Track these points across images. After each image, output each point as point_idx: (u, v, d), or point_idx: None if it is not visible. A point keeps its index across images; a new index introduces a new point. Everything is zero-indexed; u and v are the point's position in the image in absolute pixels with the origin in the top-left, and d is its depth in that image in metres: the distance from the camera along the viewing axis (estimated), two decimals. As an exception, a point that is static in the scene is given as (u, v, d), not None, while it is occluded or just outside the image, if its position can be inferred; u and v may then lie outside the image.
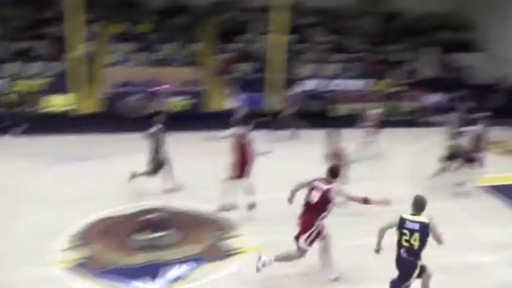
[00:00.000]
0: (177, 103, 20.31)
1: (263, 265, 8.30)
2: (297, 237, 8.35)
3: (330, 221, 8.42)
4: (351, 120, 19.86)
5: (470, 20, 27.03)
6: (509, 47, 24.19)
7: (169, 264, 8.98)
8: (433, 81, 23.30)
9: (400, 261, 7.18)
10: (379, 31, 25.96)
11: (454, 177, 13.37)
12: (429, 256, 7.12)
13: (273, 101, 20.90)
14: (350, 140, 17.13)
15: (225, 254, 9.45)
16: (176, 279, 8.60)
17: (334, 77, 22.74)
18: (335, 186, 8.21)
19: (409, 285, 7.19)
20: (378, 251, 7.49)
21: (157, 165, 12.21)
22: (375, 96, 21.32)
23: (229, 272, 8.86)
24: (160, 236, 9.88)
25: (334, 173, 8.39)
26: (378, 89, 21.98)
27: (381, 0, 26.56)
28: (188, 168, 13.12)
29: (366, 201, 8.28)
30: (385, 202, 8.21)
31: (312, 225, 8.20)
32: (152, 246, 9.61)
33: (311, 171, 12.03)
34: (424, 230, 6.95)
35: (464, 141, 13.39)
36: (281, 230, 10.04)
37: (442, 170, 13.22)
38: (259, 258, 8.36)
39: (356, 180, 11.13)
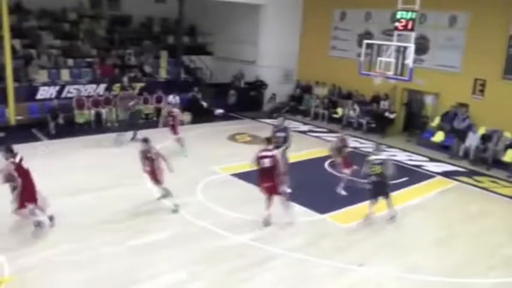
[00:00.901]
0: None
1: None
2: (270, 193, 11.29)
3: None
4: (94, 126, 19.80)
5: (195, 26, 29.11)
6: (235, 49, 26.85)
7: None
8: (168, 82, 24.25)
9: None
10: (109, 35, 25.88)
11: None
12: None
13: (11, 112, 19.39)
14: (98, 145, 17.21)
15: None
16: None
17: (70, 82, 21.89)
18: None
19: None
20: None
21: None
22: (112, 100, 21.20)
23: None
24: None
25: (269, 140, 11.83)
26: (113, 93, 21.77)
27: (107, 3, 26.62)
28: None
29: None
30: None
31: (273, 180, 11.15)
32: None
33: (65, 182, 11.65)
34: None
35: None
36: (36, 251, 9.70)
37: None
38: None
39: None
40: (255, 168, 11.45)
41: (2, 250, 9.49)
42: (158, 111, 21.87)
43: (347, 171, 13.71)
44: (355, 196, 13.13)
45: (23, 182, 10.09)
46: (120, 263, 9.46)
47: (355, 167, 13.55)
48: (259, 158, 11.27)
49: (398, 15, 14.72)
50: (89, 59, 23.60)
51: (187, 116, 21.39)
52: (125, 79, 22.57)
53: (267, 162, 11.21)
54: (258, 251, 10.20)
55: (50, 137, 18.53)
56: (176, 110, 17.31)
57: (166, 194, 12.08)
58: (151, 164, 11.79)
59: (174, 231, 10.90)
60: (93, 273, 9.03)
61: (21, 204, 10.09)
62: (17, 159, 10.26)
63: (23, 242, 10.00)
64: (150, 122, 21.08)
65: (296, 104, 25.28)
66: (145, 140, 11.89)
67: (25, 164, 10.40)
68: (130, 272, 9.13)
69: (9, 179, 10.10)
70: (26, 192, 10.11)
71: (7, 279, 8.70)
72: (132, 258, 9.67)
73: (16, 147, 16.09)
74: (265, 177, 11.26)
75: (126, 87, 22.07)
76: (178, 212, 11.79)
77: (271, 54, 25.58)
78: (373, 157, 11.79)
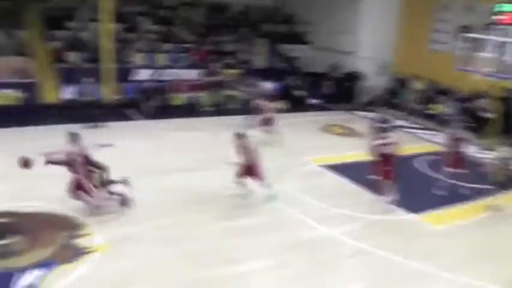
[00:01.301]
0: (8, 96, 18.57)
1: None
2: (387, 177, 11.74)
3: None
4: (188, 109, 20.26)
5: (296, 14, 28.72)
6: (333, 39, 26.16)
7: (19, 271, 8.26)
8: (264, 70, 24.19)
9: None
10: (207, 22, 26.23)
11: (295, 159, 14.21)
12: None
13: (107, 91, 20.12)
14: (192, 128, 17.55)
15: (75, 255, 8.90)
16: (29, 287, 7.94)
17: (166, 67, 22.47)
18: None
19: None
20: None
21: None
22: (209, 85, 21.48)
23: (78, 274, 8.37)
24: (6, 244, 9.02)
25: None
26: (211, 78, 22.14)
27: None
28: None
29: None
30: None
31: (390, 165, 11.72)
32: (1, 254, 8.75)
33: (159, 161, 11.99)
34: None
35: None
36: (130, 222, 10.09)
37: None
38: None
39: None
40: (371, 157, 11.60)
41: (97, 222, 9.94)
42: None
43: (452, 170, 12.93)
44: (452, 198, 12.52)
45: None
46: (211, 242, 9.63)
47: (463, 169, 12.85)
48: (378, 146, 11.33)
49: (503, 7, 13.78)
50: (185, 45, 24.05)
51: (282, 105, 21.12)
52: (215, 65, 22.82)
53: (386, 149, 11.39)
54: (346, 245, 9.96)
55: (144, 117, 19.11)
56: (263, 102, 16.92)
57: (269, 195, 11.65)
58: (247, 158, 11.40)
59: (263, 218, 10.88)
60: (187, 248, 9.32)
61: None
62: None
63: (114, 216, 10.38)
64: (243, 108, 21.16)
65: (391, 97, 24.56)
66: (241, 135, 11.49)
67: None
68: (221, 252, 9.30)
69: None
70: None
71: (102, 247, 9.14)
72: (222, 239, 9.79)
73: (111, 125, 17.38)
74: (383, 164, 11.51)
75: (215, 73, 22.25)
76: (275, 200, 11.58)
77: (369, 45, 24.84)
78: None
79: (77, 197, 10.25)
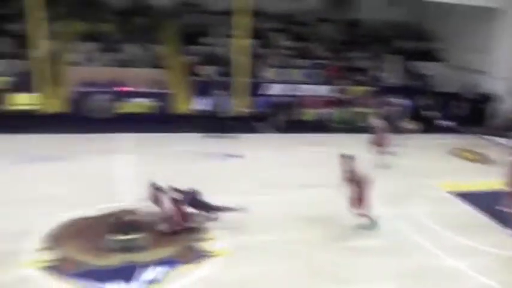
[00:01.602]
0: (143, 105, 19.95)
1: None
2: None
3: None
4: (317, 125, 20.44)
5: (430, 30, 27.91)
6: (467, 57, 25.08)
7: (142, 266, 8.90)
8: (395, 88, 23.76)
9: None
10: (341, 38, 26.31)
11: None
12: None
13: (239, 104, 20.88)
14: (320, 144, 17.67)
15: (198, 257, 9.40)
16: (151, 282, 8.53)
17: (297, 82, 22.86)
18: None
19: None
20: None
21: None
22: (339, 102, 21.50)
23: (201, 275, 8.84)
24: (133, 238, 9.68)
25: None
26: (343, 95, 22.20)
27: (342, 7, 27.02)
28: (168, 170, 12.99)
29: None
30: None
31: None
32: (125, 248, 9.45)
33: (287, 175, 12.27)
34: None
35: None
36: (252, 232, 10.36)
37: None
38: None
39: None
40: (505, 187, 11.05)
41: (221, 227, 10.39)
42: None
43: None
44: None
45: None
46: (331, 260, 9.66)
47: None
48: None
49: None
50: (319, 61, 24.32)
51: (413, 125, 20.63)
52: (346, 81, 22.77)
53: None
54: (472, 279, 9.49)
55: (274, 131, 19.63)
56: (379, 122, 16.00)
57: (368, 225, 11.12)
58: (355, 187, 10.86)
59: (385, 241, 10.69)
60: (308, 263, 9.43)
61: None
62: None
63: (238, 224, 10.71)
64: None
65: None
66: (349, 157, 10.90)
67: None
68: (341, 271, 9.33)
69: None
70: None
71: (225, 253, 9.57)
72: (343, 258, 9.79)
73: (241, 136, 17.97)
74: None
75: (346, 89, 22.16)
76: (375, 229, 11.13)
77: (505, 64, 23.45)
78: None
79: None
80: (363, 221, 11.08)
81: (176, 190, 10.53)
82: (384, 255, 10.04)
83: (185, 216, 10.24)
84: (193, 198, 10.60)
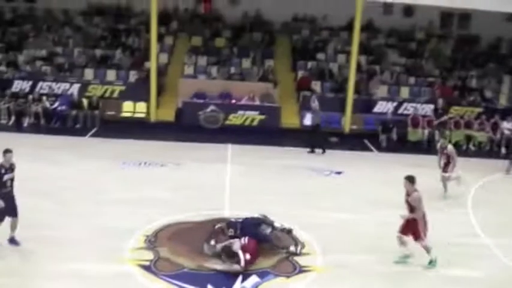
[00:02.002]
0: (251, 117, 20.40)
1: None
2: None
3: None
4: (425, 146, 19.77)
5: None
6: None
7: (241, 274, 9.04)
8: (506, 110, 22.27)
9: None
10: (455, 55, 25.39)
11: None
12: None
13: (347, 120, 20.78)
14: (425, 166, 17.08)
15: (295, 271, 9.40)
16: (248, 289, 8.68)
17: (407, 100, 22.30)
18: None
19: None
20: None
21: None
22: (448, 123, 20.62)
23: (296, 289, 8.83)
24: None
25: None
26: (451, 115, 21.28)
27: (458, 23, 26.17)
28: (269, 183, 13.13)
29: None
30: None
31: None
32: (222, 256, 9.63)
33: (386, 195, 11.97)
34: None
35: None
36: (350, 251, 10.19)
37: None
38: None
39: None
40: None
41: (317, 243, 10.31)
42: (491, 140, 20.61)
43: None
44: None
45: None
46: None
47: None
48: None
49: None
50: (429, 79, 23.63)
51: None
52: (454, 101, 21.91)
53: None
54: None
55: (380, 149, 19.25)
56: (450, 148, 14.28)
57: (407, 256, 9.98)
58: (411, 210, 9.71)
59: (487, 272, 9.94)
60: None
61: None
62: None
63: (334, 242, 10.58)
64: (482, 151, 20.11)
65: None
66: (410, 179, 9.76)
67: None
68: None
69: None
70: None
71: (319, 269, 9.53)
72: (440, 286, 9.31)
73: (346, 153, 17.85)
74: None
75: (439, 110, 21.26)
76: (434, 266, 9.93)
77: None
78: None
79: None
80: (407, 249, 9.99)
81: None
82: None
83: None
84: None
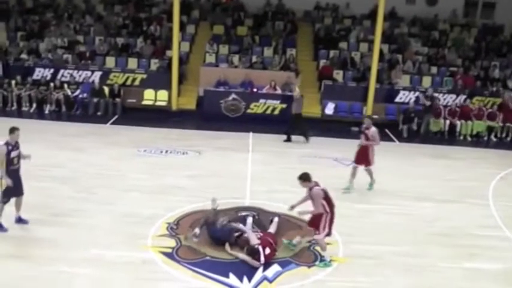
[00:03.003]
0: (273, 106, 20.33)
1: None
2: None
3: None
4: (446, 136, 19.57)
5: None
6: None
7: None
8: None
9: None
10: (476, 45, 25.00)
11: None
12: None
13: (369, 110, 20.62)
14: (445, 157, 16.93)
15: (314, 261, 9.38)
16: (267, 279, 8.68)
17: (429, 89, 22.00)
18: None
19: None
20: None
21: None
22: (470, 113, 20.30)
23: (316, 279, 8.81)
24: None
25: None
26: (473, 106, 20.95)
27: (482, 12, 25.80)
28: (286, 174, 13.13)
29: None
30: None
31: None
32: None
33: (408, 186, 11.87)
34: None
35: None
36: (372, 242, 10.16)
37: None
38: None
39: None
40: None
41: (340, 234, 10.11)
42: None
43: None
44: None
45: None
46: (451, 281, 9.11)
47: None
48: None
49: None
50: (452, 68, 23.31)
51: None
52: (476, 92, 21.64)
53: None
54: None
55: (401, 139, 19.04)
56: (372, 130, 13.05)
57: None
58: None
59: (509, 265, 9.81)
60: (426, 282, 9.00)
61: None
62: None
63: (357, 232, 10.56)
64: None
65: None
66: (304, 177, 9.35)
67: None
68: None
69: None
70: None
71: (340, 259, 9.47)
72: (464, 281, 9.16)
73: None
74: None
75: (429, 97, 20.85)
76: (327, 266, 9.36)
77: None
78: None
79: None
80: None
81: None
82: (504, 282, 9.25)
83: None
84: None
